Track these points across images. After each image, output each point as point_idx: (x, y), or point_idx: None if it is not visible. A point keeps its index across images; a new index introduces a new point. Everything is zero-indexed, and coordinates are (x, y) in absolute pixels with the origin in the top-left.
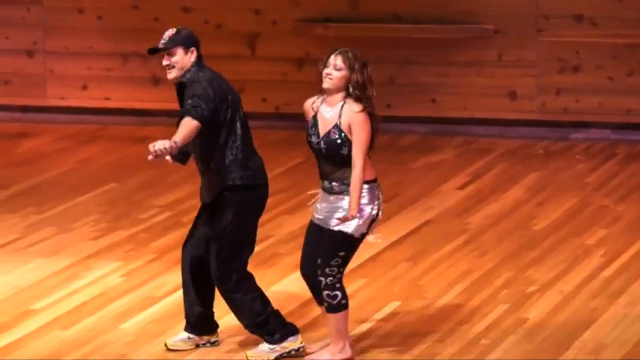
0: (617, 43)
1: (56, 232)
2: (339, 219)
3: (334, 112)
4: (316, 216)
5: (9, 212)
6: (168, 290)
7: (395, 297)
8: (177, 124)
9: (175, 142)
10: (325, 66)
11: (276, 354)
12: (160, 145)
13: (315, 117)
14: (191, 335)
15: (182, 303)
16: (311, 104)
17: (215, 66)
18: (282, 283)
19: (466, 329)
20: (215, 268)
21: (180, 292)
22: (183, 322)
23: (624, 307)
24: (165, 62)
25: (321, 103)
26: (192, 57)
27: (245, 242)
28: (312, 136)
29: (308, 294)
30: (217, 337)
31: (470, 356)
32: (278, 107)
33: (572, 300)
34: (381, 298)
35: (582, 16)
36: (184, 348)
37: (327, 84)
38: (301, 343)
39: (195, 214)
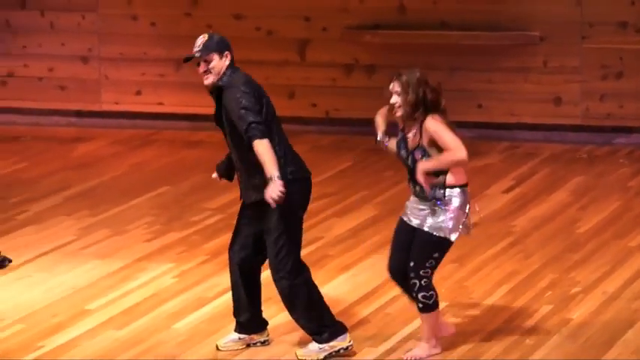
0: None
1: (110, 234)
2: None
3: (416, 133)
4: (412, 219)
5: (64, 214)
6: (219, 291)
7: (442, 297)
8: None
9: (278, 177)
10: (390, 94)
11: (325, 353)
12: (275, 191)
13: (402, 131)
14: (242, 335)
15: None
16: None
17: (266, 72)
18: (331, 285)
19: (511, 329)
20: (273, 257)
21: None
22: (235, 323)
23: None
24: (202, 69)
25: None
26: (226, 61)
27: (298, 232)
28: (402, 150)
29: (356, 295)
30: (267, 336)
31: (514, 356)
32: (328, 112)
33: (615, 301)
34: None
35: (626, 23)
36: (235, 348)
37: (399, 112)
38: (350, 342)
39: None
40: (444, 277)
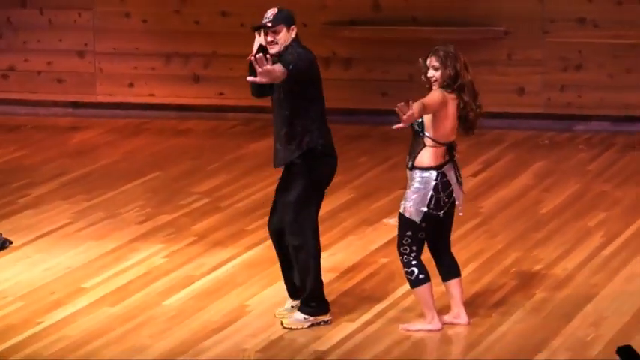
0: (617, 43)
1: (105, 217)
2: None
3: None
4: None
5: (61, 199)
6: (206, 270)
7: None
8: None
9: (273, 68)
10: (427, 68)
11: (309, 323)
12: (270, 65)
13: None
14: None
15: (220, 281)
16: None
17: None
18: None
19: (478, 304)
20: (289, 223)
21: (218, 272)
22: (221, 299)
23: (622, 283)
24: (269, 39)
25: None
26: (292, 34)
27: (317, 205)
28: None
29: (335, 273)
30: (330, 316)
31: (482, 329)
32: None
33: (575, 277)
34: (401, 275)
35: (585, 19)
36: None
37: (435, 85)
38: (330, 316)
39: (231, 200)
40: None
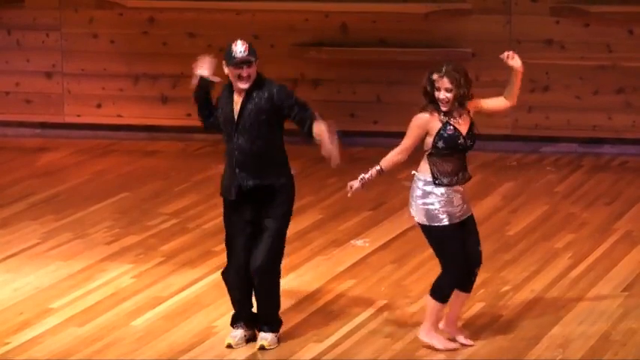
0: (584, 65)
1: (73, 237)
2: None
3: (466, 120)
4: (461, 216)
5: (30, 219)
6: (174, 290)
7: (381, 296)
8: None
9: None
10: (435, 89)
11: (277, 339)
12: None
13: (445, 126)
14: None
15: (188, 301)
16: (431, 119)
17: (218, 85)
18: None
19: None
20: (265, 252)
21: (186, 293)
22: (188, 320)
23: (589, 304)
24: (245, 74)
25: (445, 116)
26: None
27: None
28: (461, 139)
29: (303, 294)
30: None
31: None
32: None
33: (542, 298)
34: (369, 296)
35: (552, 41)
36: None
37: (445, 107)
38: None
39: (199, 221)
40: (384, 277)
